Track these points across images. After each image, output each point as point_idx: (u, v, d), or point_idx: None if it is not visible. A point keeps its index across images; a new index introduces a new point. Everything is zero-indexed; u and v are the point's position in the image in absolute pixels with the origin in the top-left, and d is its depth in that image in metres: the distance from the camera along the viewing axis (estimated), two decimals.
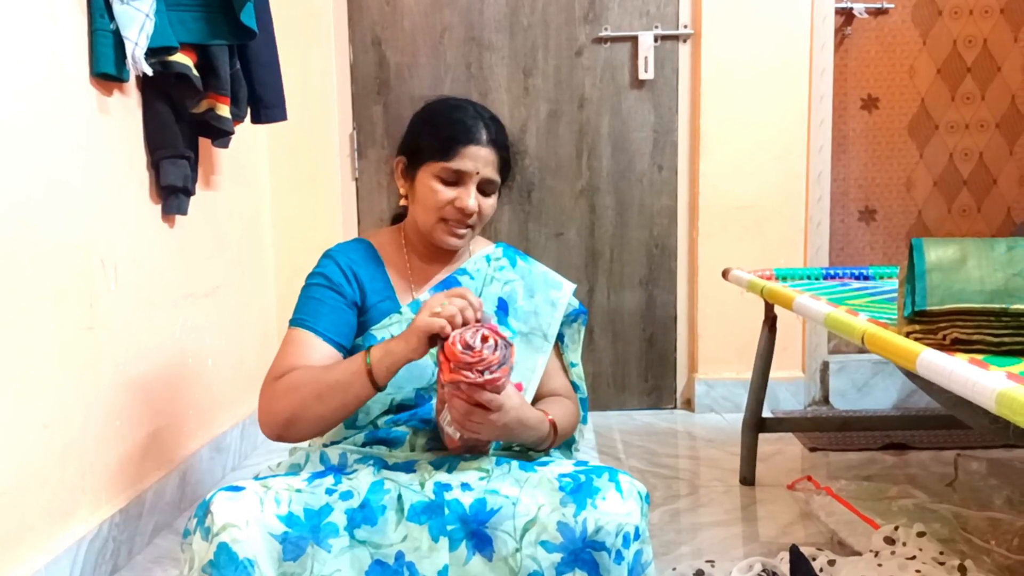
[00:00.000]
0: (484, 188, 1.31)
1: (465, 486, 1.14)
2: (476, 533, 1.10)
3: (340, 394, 1.18)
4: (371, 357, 1.18)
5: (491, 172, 1.31)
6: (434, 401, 1.30)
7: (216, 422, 2.38)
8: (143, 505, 1.92)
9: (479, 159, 1.29)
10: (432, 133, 1.31)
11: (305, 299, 1.31)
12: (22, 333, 1.52)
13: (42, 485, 1.58)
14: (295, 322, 1.29)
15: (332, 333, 1.27)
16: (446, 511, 1.11)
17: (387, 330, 1.30)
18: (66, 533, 1.65)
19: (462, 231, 1.32)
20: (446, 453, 1.26)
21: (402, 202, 1.39)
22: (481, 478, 1.15)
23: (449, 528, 1.10)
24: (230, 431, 2.44)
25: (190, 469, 2.17)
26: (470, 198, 1.29)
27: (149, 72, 1.79)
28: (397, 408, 1.30)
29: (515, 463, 1.17)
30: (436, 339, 1.14)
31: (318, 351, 1.26)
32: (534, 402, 1.33)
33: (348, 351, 1.30)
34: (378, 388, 1.18)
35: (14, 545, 1.50)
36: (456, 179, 1.29)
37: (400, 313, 1.32)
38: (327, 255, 1.35)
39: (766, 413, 2.36)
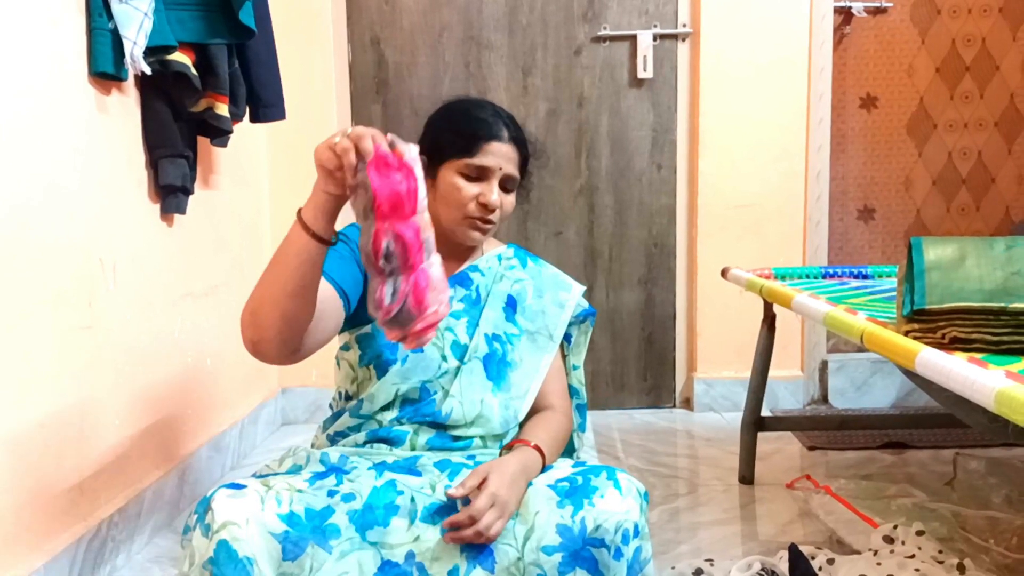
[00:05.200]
0: (505, 185, 1.32)
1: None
2: (475, 545, 1.10)
3: (285, 261, 1.10)
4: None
5: (512, 169, 1.32)
6: (436, 395, 1.29)
7: (215, 422, 2.38)
8: (142, 504, 1.92)
9: (501, 155, 1.30)
10: (455, 131, 1.32)
11: None
12: (20, 332, 1.52)
13: (40, 484, 1.58)
14: None
15: (335, 275, 1.23)
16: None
17: None
18: (65, 532, 1.65)
19: (486, 227, 1.31)
20: (447, 454, 1.26)
21: None
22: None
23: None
24: (229, 431, 2.44)
25: (189, 468, 2.17)
26: (493, 193, 1.29)
27: (148, 71, 1.79)
28: (402, 401, 1.30)
29: None
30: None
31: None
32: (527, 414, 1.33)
33: (349, 302, 1.25)
34: (316, 236, 1.07)
35: (12, 545, 1.50)
36: (479, 175, 1.29)
37: None
38: (346, 228, 1.30)
39: (765, 412, 2.36)
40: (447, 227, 1.32)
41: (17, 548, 1.51)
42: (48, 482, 1.60)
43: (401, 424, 1.29)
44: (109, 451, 1.82)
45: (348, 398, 1.36)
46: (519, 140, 1.34)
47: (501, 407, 1.31)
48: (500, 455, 1.24)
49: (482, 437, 1.30)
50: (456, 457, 1.26)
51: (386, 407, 1.30)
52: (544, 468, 1.23)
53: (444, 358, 1.31)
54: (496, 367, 1.33)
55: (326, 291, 1.20)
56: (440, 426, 1.29)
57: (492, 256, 1.41)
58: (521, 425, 1.34)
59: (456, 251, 1.38)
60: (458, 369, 1.31)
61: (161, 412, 2.06)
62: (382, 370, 1.29)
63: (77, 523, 1.69)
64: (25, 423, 1.54)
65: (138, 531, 1.90)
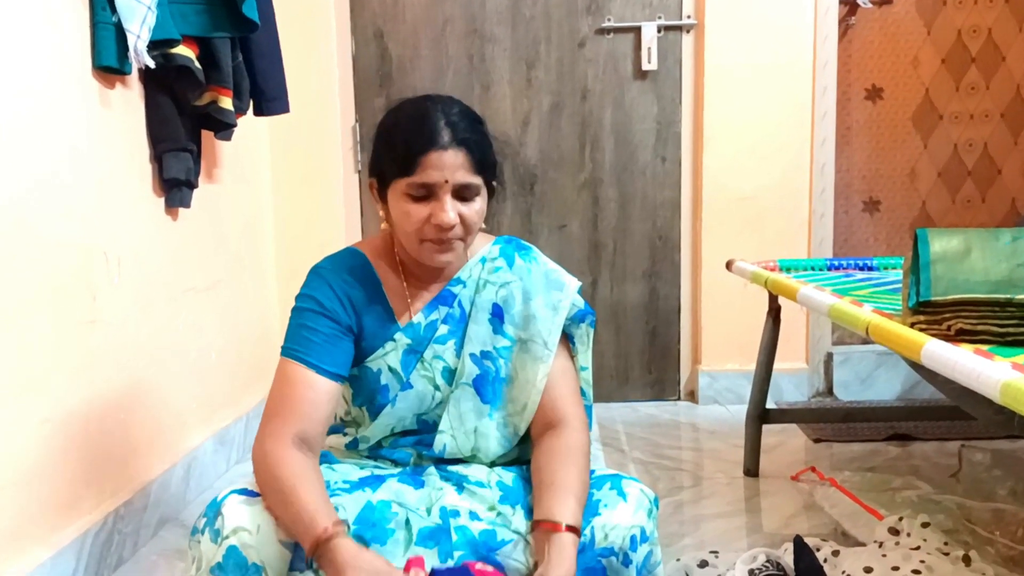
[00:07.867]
0: (462, 194, 1.15)
1: (473, 515, 1.13)
2: (486, 559, 1.09)
3: (285, 519, 1.05)
4: (333, 545, 0.99)
5: (464, 176, 1.14)
6: (435, 427, 1.25)
7: (219, 415, 2.38)
8: (147, 498, 1.92)
9: (445, 165, 1.12)
10: (391, 149, 1.16)
11: (297, 327, 1.18)
12: (24, 327, 1.52)
13: (45, 479, 1.58)
14: (287, 352, 1.17)
15: (328, 364, 1.16)
16: (454, 536, 1.10)
17: (383, 360, 1.22)
18: (71, 526, 1.65)
19: (448, 247, 1.17)
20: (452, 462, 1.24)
21: (383, 226, 1.24)
22: (490, 508, 1.15)
23: (457, 554, 1.09)
24: (233, 424, 2.44)
25: (194, 462, 2.17)
26: (445, 212, 1.13)
27: (151, 65, 1.79)
28: (401, 435, 1.27)
29: (521, 496, 1.16)
30: None
31: (314, 388, 1.15)
32: (536, 419, 1.23)
33: (347, 380, 1.22)
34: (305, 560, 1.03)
35: (18, 538, 1.50)
36: (426, 193, 1.14)
37: (394, 340, 1.22)
38: (318, 274, 1.22)
39: (770, 404, 2.36)
40: (411, 253, 1.20)
41: (24, 542, 1.51)
42: (53, 476, 1.61)
43: (404, 447, 1.26)
44: (114, 445, 1.82)
45: (343, 421, 1.31)
46: (467, 141, 1.14)
47: (498, 428, 1.23)
48: (533, 531, 1.10)
49: (481, 463, 1.26)
50: (461, 469, 1.23)
51: (384, 438, 1.27)
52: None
53: (436, 387, 1.23)
54: (491, 387, 1.23)
55: (329, 388, 1.16)
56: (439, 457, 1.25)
57: (475, 262, 1.27)
58: (531, 455, 1.21)
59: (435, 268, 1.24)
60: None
61: (165, 406, 2.07)
62: (374, 413, 1.23)
63: (83, 517, 1.70)
64: (30, 418, 1.54)
65: (144, 524, 1.91)
